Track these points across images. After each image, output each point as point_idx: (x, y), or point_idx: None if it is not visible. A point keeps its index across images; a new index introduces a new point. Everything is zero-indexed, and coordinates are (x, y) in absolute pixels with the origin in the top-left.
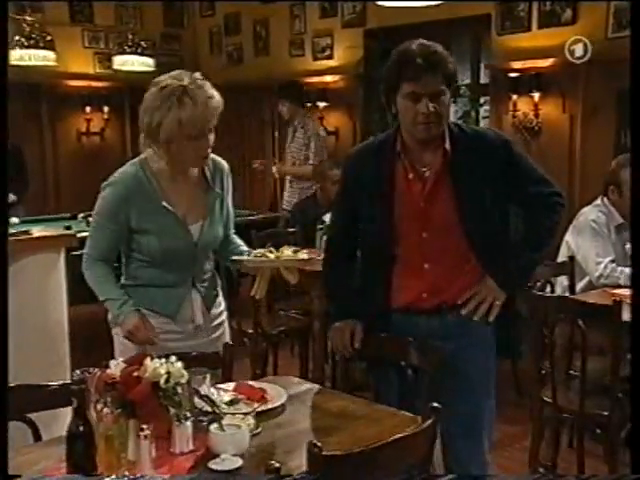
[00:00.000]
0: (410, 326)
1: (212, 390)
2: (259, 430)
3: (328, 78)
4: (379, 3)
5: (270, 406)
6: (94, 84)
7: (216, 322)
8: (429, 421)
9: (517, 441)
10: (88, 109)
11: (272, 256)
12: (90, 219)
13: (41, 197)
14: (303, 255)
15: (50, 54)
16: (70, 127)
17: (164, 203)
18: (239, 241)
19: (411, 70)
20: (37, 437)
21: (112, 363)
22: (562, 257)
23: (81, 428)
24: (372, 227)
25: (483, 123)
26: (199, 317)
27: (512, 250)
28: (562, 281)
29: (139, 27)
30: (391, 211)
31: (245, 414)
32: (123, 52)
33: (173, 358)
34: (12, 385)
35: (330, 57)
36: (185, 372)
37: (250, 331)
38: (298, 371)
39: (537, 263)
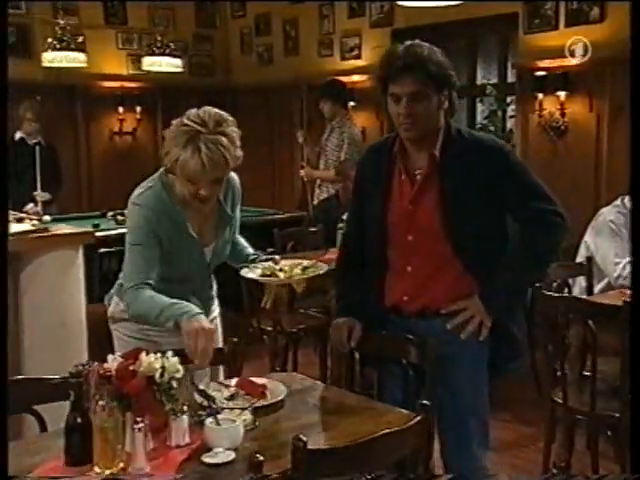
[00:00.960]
0: (402, 327)
1: (214, 385)
2: (256, 425)
3: (356, 78)
4: (400, 3)
5: (268, 402)
6: (127, 85)
7: (209, 317)
8: (417, 418)
9: (534, 442)
10: (121, 109)
11: (282, 275)
12: (119, 218)
13: (75, 195)
14: (310, 272)
15: (81, 56)
16: (103, 127)
17: (190, 231)
18: (243, 242)
19: (392, 71)
20: (44, 429)
21: (109, 357)
22: (581, 257)
23: (78, 420)
24: (370, 227)
25: (510, 123)
26: None
27: (503, 266)
28: (581, 282)
29: (171, 28)
30: (384, 211)
31: (242, 409)
32: (152, 54)
33: (169, 353)
34: (14, 378)
35: (358, 57)
36: (181, 367)
37: (269, 329)
38: (319, 368)
39: (527, 285)
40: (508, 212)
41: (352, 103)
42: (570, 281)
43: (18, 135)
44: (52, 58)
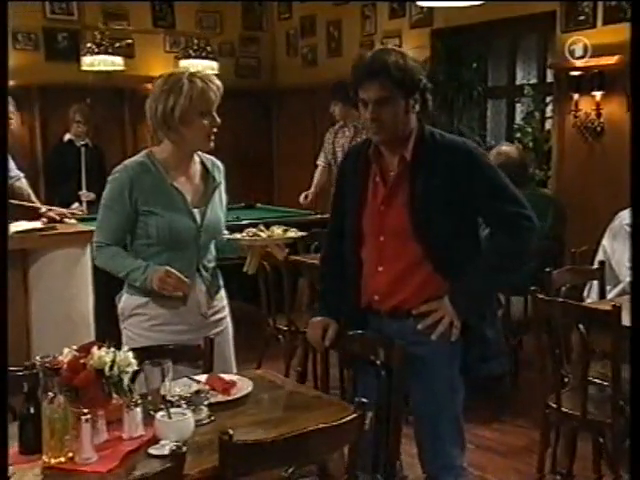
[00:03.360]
0: (378, 327)
1: (185, 380)
2: (211, 419)
3: None
4: (419, 3)
5: (226, 398)
6: None
7: (218, 316)
8: (351, 416)
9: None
10: None
11: (264, 235)
12: None
13: None
14: (292, 234)
15: (117, 59)
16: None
17: (171, 183)
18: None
19: (358, 77)
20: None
21: (65, 350)
22: (599, 261)
23: (31, 411)
24: (347, 227)
25: (548, 124)
26: (204, 306)
27: (472, 269)
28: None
29: (219, 31)
30: (360, 212)
31: (190, 404)
32: (188, 56)
33: (125, 348)
34: None
35: None
36: (134, 361)
37: (285, 328)
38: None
39: (495, 287)
40: (477, 214)
41: None
42: (588, 286)
43: (67, 137)
44: (90, 62)
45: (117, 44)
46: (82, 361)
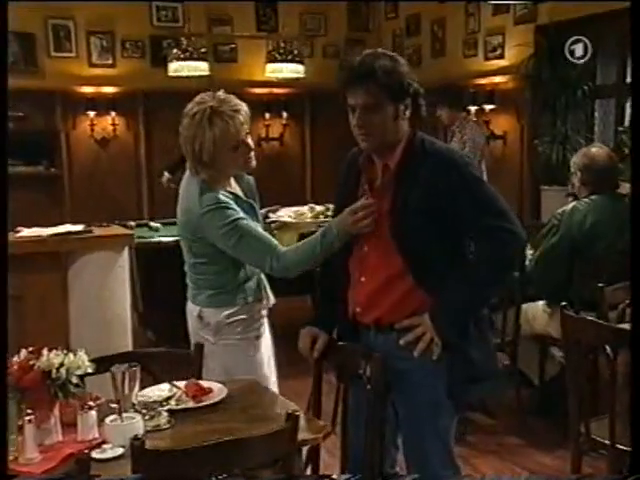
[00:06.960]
0: (367, 340)
1: (164, 385)
2: (171, 425)
3: (497, 79)
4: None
5: (188, 405)
6: (275, 91)
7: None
8: (277, 427)
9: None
10: (267, 115)
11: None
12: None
13: None
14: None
15: (202, 64)
16: (251, 133)
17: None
18: None
19: (345, 81)
20: None
21: (23, 351)
22: None
23: None
24: None
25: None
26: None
27: (453, 284)
28: None
29: (323, 32)
30: None
31: (150, 409)
32: (274, 60)
33: (82, 351)
34: None
35: (501, 56)
36: (87, 364)
37: None
38: None
39: (478, 303)
40: (461, 227)
41: (492, 106)
42: None
43: None
44: (176, 68)
45: (203, 49)
46: (31, 362)
